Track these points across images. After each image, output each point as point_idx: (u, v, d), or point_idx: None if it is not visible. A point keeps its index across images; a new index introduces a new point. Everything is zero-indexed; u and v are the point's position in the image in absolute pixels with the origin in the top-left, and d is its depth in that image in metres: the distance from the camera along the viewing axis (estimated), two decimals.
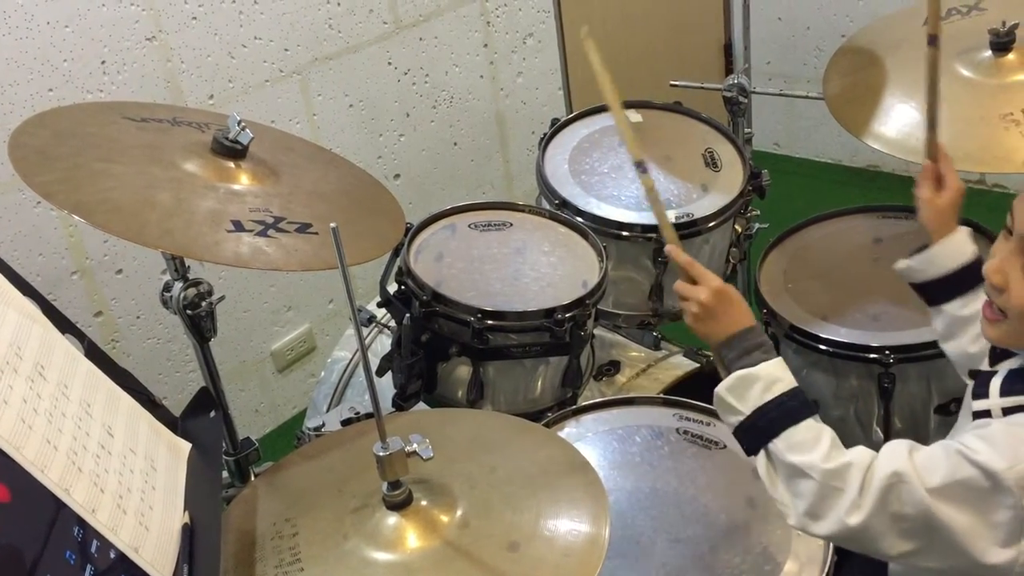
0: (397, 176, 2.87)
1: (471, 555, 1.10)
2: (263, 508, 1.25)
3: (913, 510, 1.08)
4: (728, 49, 3.83)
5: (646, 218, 1.77)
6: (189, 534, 1.08)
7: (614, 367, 1.96)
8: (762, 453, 1.18)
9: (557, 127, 1.95)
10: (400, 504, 1.14)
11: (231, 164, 1.38)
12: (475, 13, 2.95)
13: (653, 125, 1.97)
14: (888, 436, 1.68)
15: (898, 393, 1.66)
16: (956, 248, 1.42)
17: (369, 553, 1.11)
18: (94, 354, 1.17)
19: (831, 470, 1.12)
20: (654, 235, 1.74)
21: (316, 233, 1.31)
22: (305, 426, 1.61)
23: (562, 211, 1.78)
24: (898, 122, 1.65)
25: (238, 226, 1.25)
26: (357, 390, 1.98)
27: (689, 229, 1.75)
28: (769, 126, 3.82)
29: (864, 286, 1.76)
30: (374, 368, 1.68)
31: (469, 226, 1.73)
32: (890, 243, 1.84)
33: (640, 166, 1.35)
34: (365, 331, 1.95)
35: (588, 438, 1.54)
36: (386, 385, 1.70)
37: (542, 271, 1.67)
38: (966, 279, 1.40)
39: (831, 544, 1.30)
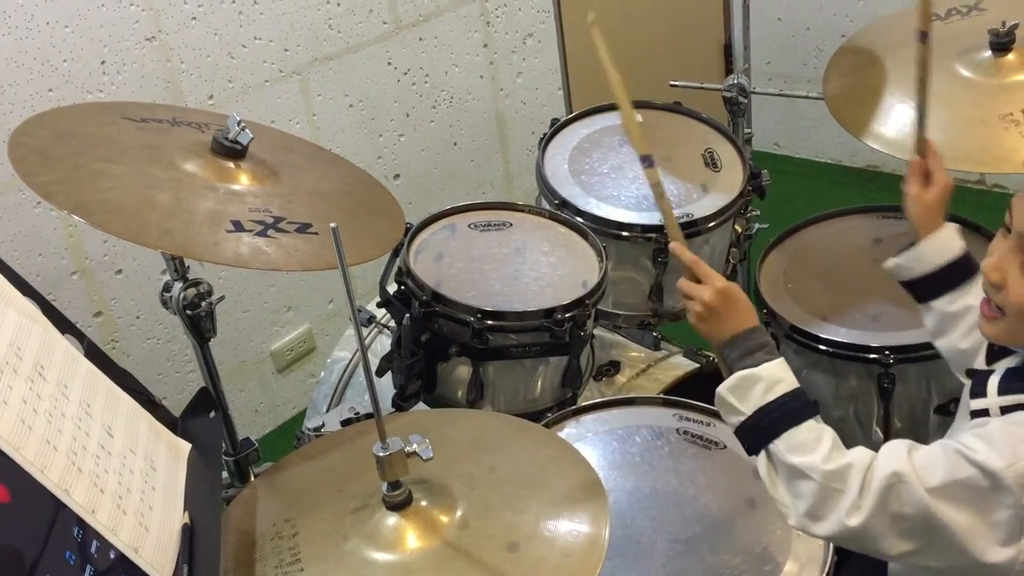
0: (397, 176, 2.87)
1: (471, 555, 1.10)
2: (263, 508, 1.25)
3: (913, 510, 1.08)
4: (728, 49, 3.83)
5: (646, 218, 1.77)
6: (189, 534, 1.07)
7: (614, 367, 1.96)
8: (763, 453, 1.18)
9: (557, 127, 1.95)
10: (400, 504, 1.14)
11: (231, 164, 1.38)
12: (475, 13, 2.95)
13: (653, 125, 1.96)
14: (888, 436, 1.68)
15: (898, 393, 1.66)
16: (943, 244, 1.42)
17: (369, 553, 1.11)
18: (94, 354, 1.17)
19: (831, 471, 1.12)
20: (654, 235, 1.74)
21: (316, 233, 1.31)
22: (305, 426, 1.61)
23: (562, 211, 1.78)
24: (898, 122, 1.65)
25: (238, 226, 1.25)
26: (357, 390, 1.98)
27: (689, 229, 1.75)
28: (769, 126, 3.82)
29: (864, 286, 1.76)
30: (374, 368, 1.68)
31: (469, 226, 1.73)
32: (890, 243, 1.83)
33: (646, 160, 1.34)
34: (365, 331, 1.95)
35: (588, 438, 1.54)
36: (386, 385, 1.70)
37: (542, 271, 1.67)
38: (954, 275, 1.41)
39: (831, 544, 1.30)
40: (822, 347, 1.70)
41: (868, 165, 3.66)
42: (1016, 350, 1.18)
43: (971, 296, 1.39)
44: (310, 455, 1.36)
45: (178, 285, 1.40)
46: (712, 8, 3.77)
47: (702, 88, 2.29)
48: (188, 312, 1.41)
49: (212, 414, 1.36)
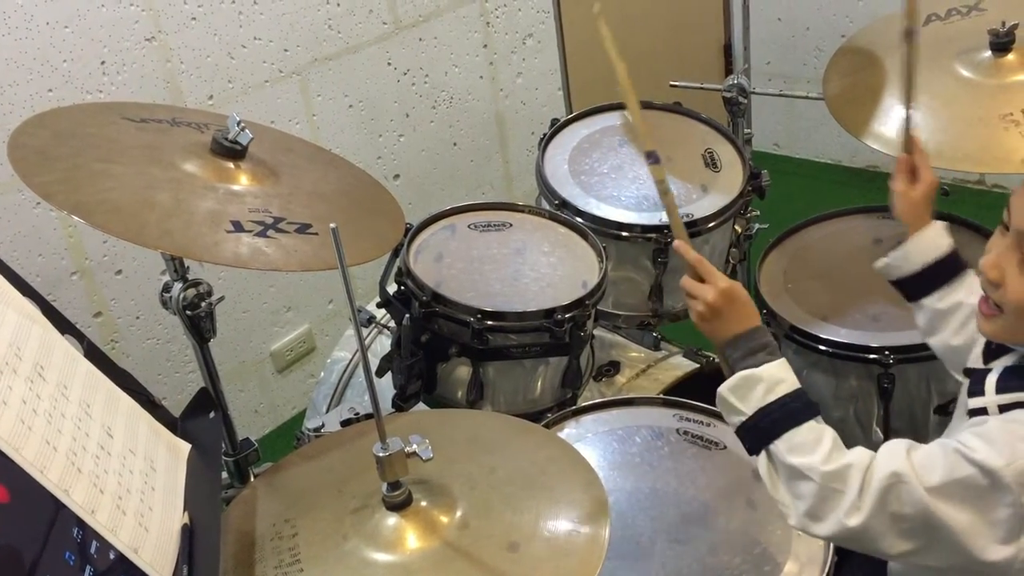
0: (397, 176, 2.87)
1: (471, 556, 1.10)
2: (263, 509, 1.25)
3: (912, 510, 1.08)
4: (728, 49, 3.83)
5: (646, 218, 1.77)
6: (189, 535, 1.07)
7: (614, 368, 1.96)
8: (763, 454, 1.18)
9: (557, 127, 1.95)
10: (400, 505, 1.14)
11: (231, 164, 1.38)
12: (475, 14, 2.95)
13: (653, 125, 1.95)
14: (888, 437, 1.68)
15: (898, 393, 1.66)
16: (930, 242, 1.43)
17: (369, 554, 1.11)
18: (93, 355, 1.17)
19: (831, 472, 1.12)
20: (654, 235, 1.75)
21: (316, 233, 1.31)
22: (305, 427, 1.61)
23: (562, 211, 1.78)
24: (897, 122, 1.65)
25: (237, 226, 1.25)
26: (357, 390, 1.98)
27: (689, 229, 1.73)
28: (769, 126, 3.82)
29: (864, 286, 1.76)
30: (374, 369, 1.68)
31: (469, 226, 1.73)
32: (890, 243, 1.82)
33: (651, 156, 1.33)
34: (365, 331, 1.95)
35: (588, 439, 1.54)
36: (386, 386, 1.69)
37: (542, 271, 1.67)
38: (942, 272, 1.42)
39: (831, 545, 1.30)
40: (822, 347, 1.70)
41: (868, 165, 3.66)
42: (1014, 348, 1.18)
43: (961, 293, 1.40)
44: (310, 455, 1.36)
45: (178, 285, 1.40)
46: (712, 8, 3.77)
47: (702, 88, 2.29)
48: (188, 312, 1.40)
49: (212, 414, 1.36)
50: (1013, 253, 1.12)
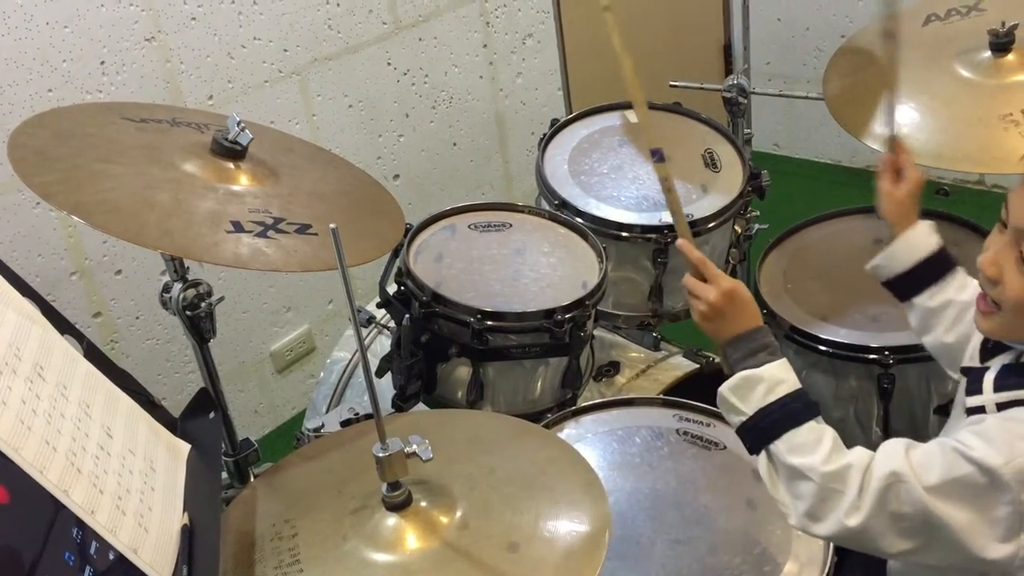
0: (396, 177, 2.87)
1: (471, 556, 1.10)
2: (262, 509, 1.25)
3: (911, 509, 1.08)
4: (728, 50, 3.83)
5: (646, 219, 1.77)
6: (188, 535, 1.07)
7: (614, 368, 1.96)
8: (763, 454, 1.18)
9: (556, 128, 1.95)
10: (399, 505, 1.13)
11: (230, 165, 1.38)
12: (474, 14, 2.95)
13: (652, 125, 1.95)
14: (887, 437, 1.67)
15: (898, 394, 1.66)
16: (917, 241, 1.43)
17: (368, 554, 1.11)
18: (93, 355, 1.16)
19: (830, 472, 1.12)
20: (654, 236, 1.74)
21: (316, 234, 1.31)
22: (304, 427, 1.61)
23: (562, 212, 1.78)
24: (897, 122, 1.65)
25: (237, 227, 1.25)
26: (356, 391, 1.98)
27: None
28: (769, 127, 3.82)
29: (864, 287, 1.75)
30: (373, 369, 1.68)
31: (469, 227, 1.73)
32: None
33: (656, 154, 1.33)
34: (364, 332, 1.95)
35: (588, 439, 1.54)
36: (385, 386, 1.69)
37: (542, 272, 1.67)
38: (930, 271, 1.42)
39: (831, 545, 1.30)
40: (822, 348, 1.70)
41: (868, 165, 3.63)
42: (1012, 345, 1.19)
43: (951, 290, 1.40)
44: (310, 456, 1.36)
45: (177, 286, 1.40)
46: (712, 8, 3.77)
47: (702, 88, 2.29)
48: (188, 313, 1.40)
49: (211, 415, 1.36)
50: (1011, 250, 1.12)
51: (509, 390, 1.64)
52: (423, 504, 1.15)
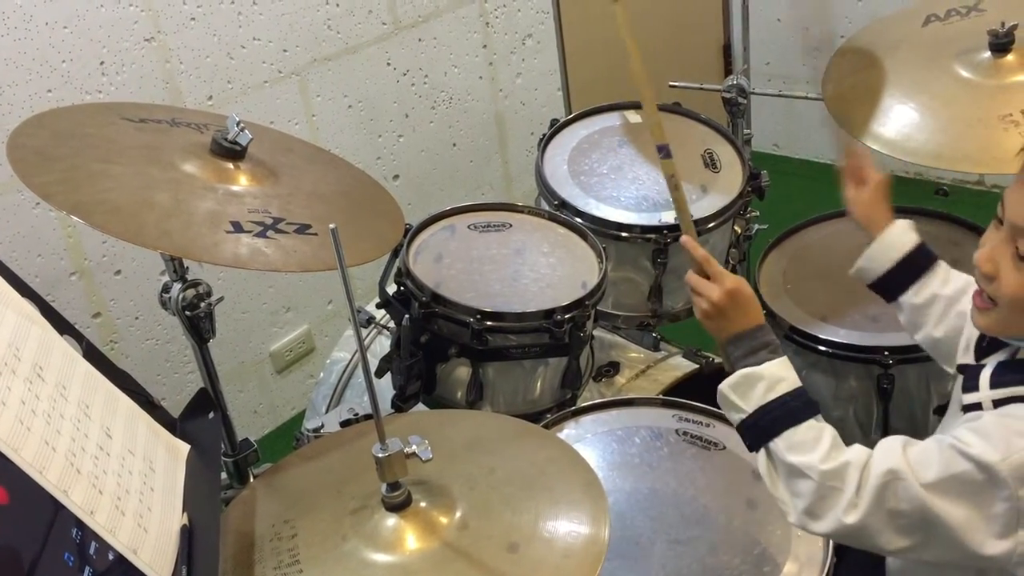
0: (396, 177, 2.87)
1: (470, 556, 1.10)
2: (262, 509, 1.25)
3: (909, 506, 1.08)
4: (727, 50, 3.83)
5: (645, 219, 1.77)
6: (188, 535, 1.07)
7: (613, 368, 1.96)
8: (763, 451, 1.19)
9: (556, 128, 1.95)
10: (399, 505, 1.13)
11: (230, 165, 1.38)
12: (474, 14, 2.95)
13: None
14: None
15: (897, 394, 1.66)
16: (893, 241, 1.45)
17: (368, 554, 1.11)
18: (92, 355, 1.16)
19: (829, 470, 1.12)
20: (653, 236, 1.74)
21: (315, 234, 1.30)
22: (304, 427, 1.61)
23: (561, 212, 1.78)
24: (897, 123, 1.65)
25: (237, 227, 1.25)
26: (356, 391, 1.98)
27: None
28: (768, 127, 3.82)
29: (863, 287, 1.75)
30: (373, 369, 1.68)
31: (468, 227, 1.73)
32: None
33: (662, 150, 1.33)
34: (364, 332, 1.95)
35: (587, 439, 1.54)
36: (385, 386, 1.69)
37: (541, 272, 1.67)
38: (911, 268, 1.43)
39: (830, 546, 1.30)
40: (821, 348, 1.70)
41: None
42: (1008, 342, 1.19)
43: (934, 284, 1.41)
44: (309, 456, 1.36)
45: (177, 286, 1.40)
46: (711, 9, 3.77)
47: (701, 89, 2.29)
48: (187, 313, 1.40)
49: (211, 415, 1.36)
50: (1007, 247, 1.12)
51: (509, 390, 1.64)
52: (423, 504, 1.15)
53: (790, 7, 3.63)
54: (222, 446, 1.49)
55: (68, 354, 1.10)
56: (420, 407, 1.66)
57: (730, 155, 1.92)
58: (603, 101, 1.99)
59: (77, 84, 2.16)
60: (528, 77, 3.16)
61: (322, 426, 1.57)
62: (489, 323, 1.54)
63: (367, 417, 1.54)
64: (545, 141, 1.92)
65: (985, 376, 1.16)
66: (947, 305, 1.39)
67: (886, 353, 1.64)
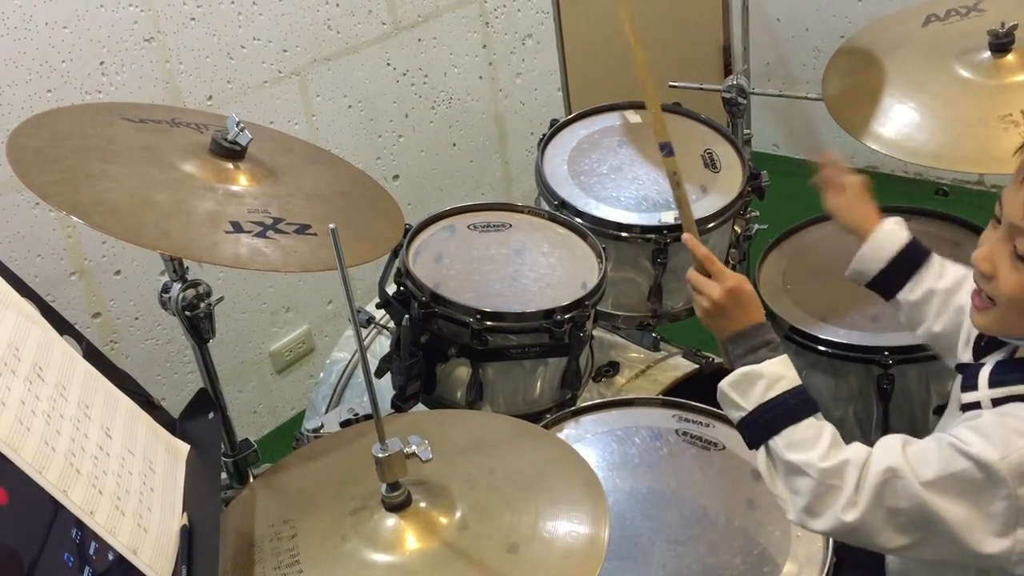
0: (396, 177, 2.87)
1: (470, 557, 1.10)
2: (262, 510, 1.25)
3: (908, 504, 1.08)
4: (727, 50, 3.83)
5: (645, 219, 1.77)
6: (188, 535, 1.07)
7: (613, 368, 1.96)
8: (762, 449, 1.19)
9: (556, 128, 1.95)
10: (399, 505, 1.13)
11: (230, 165, 1.38)
12: (474, 14, 2.95)
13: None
14: None
15: (897, 394, 1.66)
16: (884, 240, 1.45)
17: (368, 555, 1.11)
18: (92, 355, 1.16)
19: (828, 468, 1.12)
20: (653, 236, 1.74)
21: (315, 234, 1.31)
22: (304, 427, 1.61)
23: (561, 212, 1.78)
24: (897, 123, 1.66)
25: (237, 227, 1.25)
26: (356, 391, 1.98)
27: None
28: (768, 127, 3.82)
29: (863, 287, 1.76)
30: (373, 369, 1.68)
31: (468, 227, 1.73)
32: None
33: (664, 148, 1.33)
34: (364, 332, 1.95)
35: (587, 439, 1.54)
36: (385, 386, 1.69)
37: (541, 272, 1.67)
38: (905, 265, 1.43)
39: (830, 546, 1.30)
40: (821, 348, 1.70)
41: (867, 166, 3.64)
42: (1006, 341, 1.19)
43: (930, 279, 1.42)
44: (309, 456, 1.36)
45: (177, 286, 1.40)
46: (711, 9, 3.77)
47: (701, 89, 2.29)
48: (187, 313, 1.40)
49: (211, 415, 1.36)
50: (1005, 246, 1.13)
51: (508, 390, 1.63)
52: (422, 504, 1.15)
53: (790, 7, 3.63)
54: (222, 446, 1.49)
55: (68, 354, 1.10)
56: (420, 407, 1.66)
57: (730, 155, 1.92)
58: (603, 101, 1.99)
59: (77, 84, 2.15)
60: (528, 77, 3.16)
61: (322, 426, 1.57)
62: (489, 323, 1.54)
63: (367, 417, 1.54)
64: (545, 141, 1.92)
65: (984, 375, 1.16)
66: (945, 298, 1.39)
67: (886, 353, 1.64)
